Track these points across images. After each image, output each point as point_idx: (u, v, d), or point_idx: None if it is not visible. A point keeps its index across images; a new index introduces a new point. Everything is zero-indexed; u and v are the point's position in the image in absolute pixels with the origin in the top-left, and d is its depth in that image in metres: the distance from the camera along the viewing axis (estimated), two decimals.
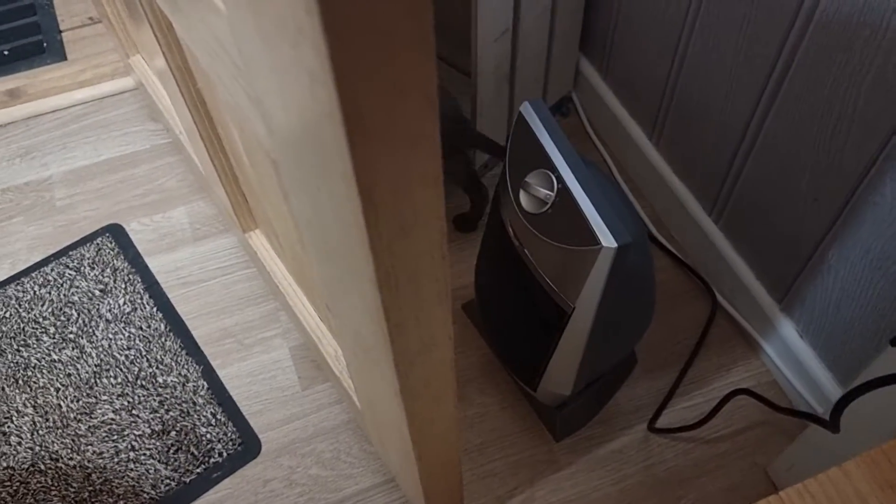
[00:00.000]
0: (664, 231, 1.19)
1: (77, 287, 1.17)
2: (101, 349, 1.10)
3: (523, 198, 0.79)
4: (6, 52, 1.48)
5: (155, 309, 1.15)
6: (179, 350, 1.10)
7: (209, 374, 1.08)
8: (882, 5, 0.71)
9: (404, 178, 0.34)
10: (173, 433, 1.03)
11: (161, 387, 1.07)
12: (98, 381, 1.07)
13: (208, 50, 0.52)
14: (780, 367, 1.03)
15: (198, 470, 1.00)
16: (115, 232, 1.24)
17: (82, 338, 1.12)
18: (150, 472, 1.00)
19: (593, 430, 1.02)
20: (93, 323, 1.13)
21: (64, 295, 1.17)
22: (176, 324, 1.13)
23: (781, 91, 0.87)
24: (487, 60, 1.09)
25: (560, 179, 0.76)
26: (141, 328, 1.12)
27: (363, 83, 0.29)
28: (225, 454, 1.01)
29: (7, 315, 1.15)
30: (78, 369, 1.09)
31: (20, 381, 1.08)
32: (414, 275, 0.39)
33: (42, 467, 1.00)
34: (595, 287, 0.75)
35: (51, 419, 1.04)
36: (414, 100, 0.31)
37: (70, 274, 1.19)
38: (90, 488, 0.99)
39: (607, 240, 0.71)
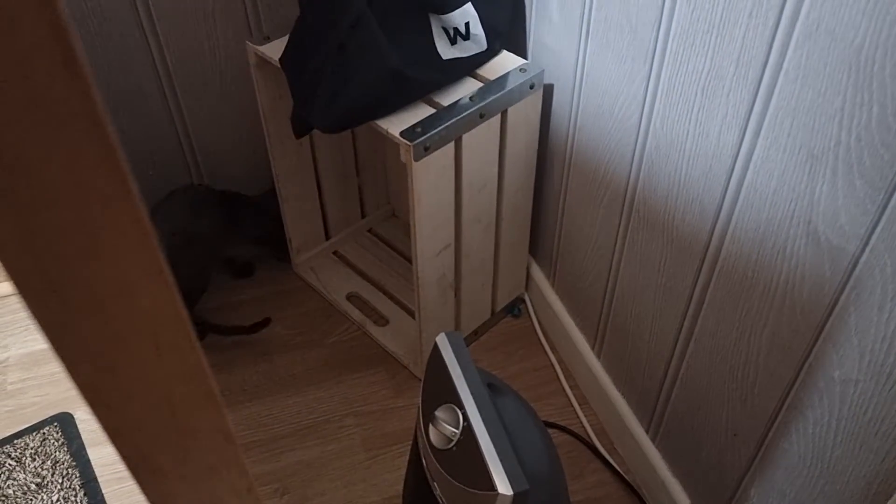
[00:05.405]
0: (606, 442, 1.18)
1: (14, 479, 1.16)
2: None
3: (432, 432, 0.80)
4: None
5: None
6: None
7: None
8: (770, 265, 0.74)
9: None
10: None
11: None
12: None
13: None
14: None
15: None
16: (64, 421, 1.25)
17: None
18: None
19: None
20: None
21: None
22: None
23: (698, 324, 0.89)
24: (430, 272, 1.13)
25: (465, 417, 0.76)
26: None
27: None
28: None
29: None
30: None
31: None
32: None
33: None
34: None
35: None
36: None
37: (10, 464, 1.18)
38: None
39: (504, 486, 0.71)
